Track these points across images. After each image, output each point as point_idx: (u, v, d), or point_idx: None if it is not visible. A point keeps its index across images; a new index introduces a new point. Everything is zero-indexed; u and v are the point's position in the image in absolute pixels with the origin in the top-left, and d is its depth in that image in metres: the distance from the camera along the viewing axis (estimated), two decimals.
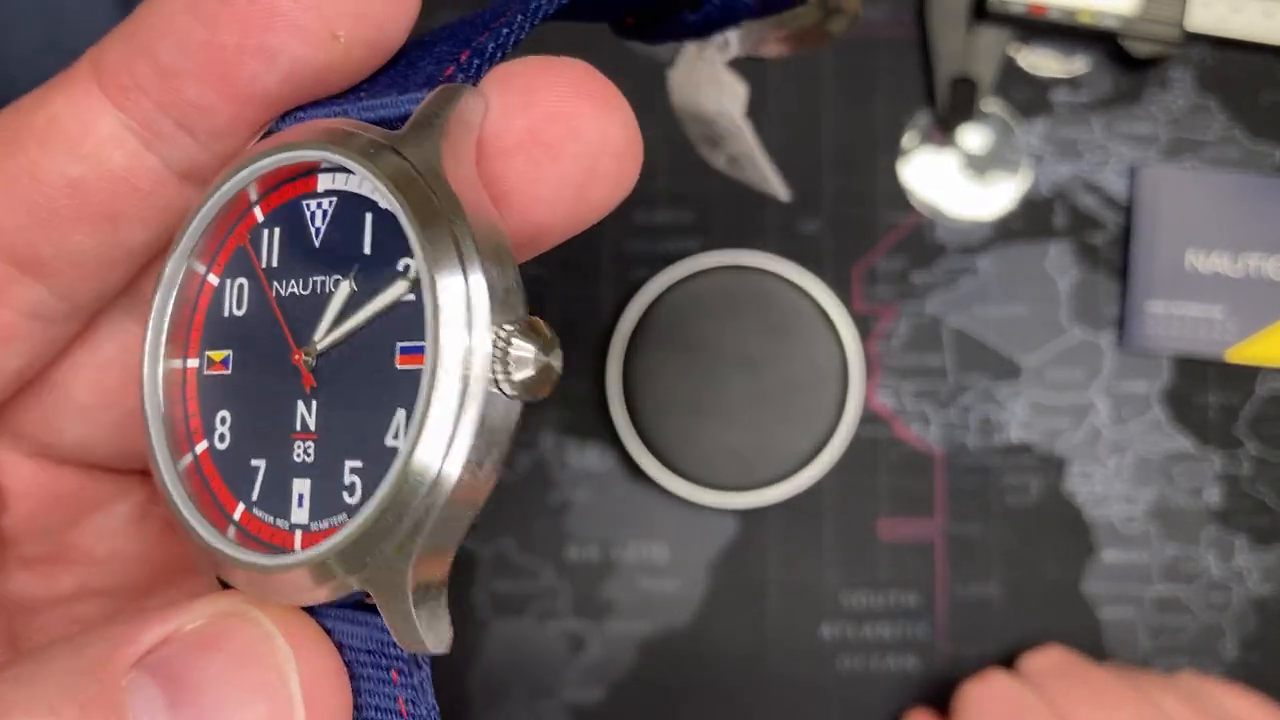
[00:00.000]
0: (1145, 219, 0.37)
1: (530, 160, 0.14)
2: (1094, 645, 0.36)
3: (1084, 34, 0.36)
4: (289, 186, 0.15)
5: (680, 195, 0.37)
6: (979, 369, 0.37)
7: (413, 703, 0.14)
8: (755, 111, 0.37)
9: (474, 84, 0.15)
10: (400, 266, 0.14)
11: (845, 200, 0.37)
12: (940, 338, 0.37)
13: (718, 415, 0.35)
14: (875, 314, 0.37)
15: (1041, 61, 0.37)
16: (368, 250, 0.14)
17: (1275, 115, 0.37)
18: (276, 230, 0.15)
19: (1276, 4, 0.36)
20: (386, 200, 0.13)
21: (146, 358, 0.16)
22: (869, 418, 0.36)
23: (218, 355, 0.16)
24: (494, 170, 0.14)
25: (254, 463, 0.15)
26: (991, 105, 0.37)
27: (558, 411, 0.36)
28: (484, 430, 0.13)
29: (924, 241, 0.37)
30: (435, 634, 0.13)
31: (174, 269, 0.16)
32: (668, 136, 0.37)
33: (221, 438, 0.15)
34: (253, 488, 0.15)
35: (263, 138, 0.16)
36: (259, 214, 0.15)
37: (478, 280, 0.13)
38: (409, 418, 0.13)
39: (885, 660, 0.36)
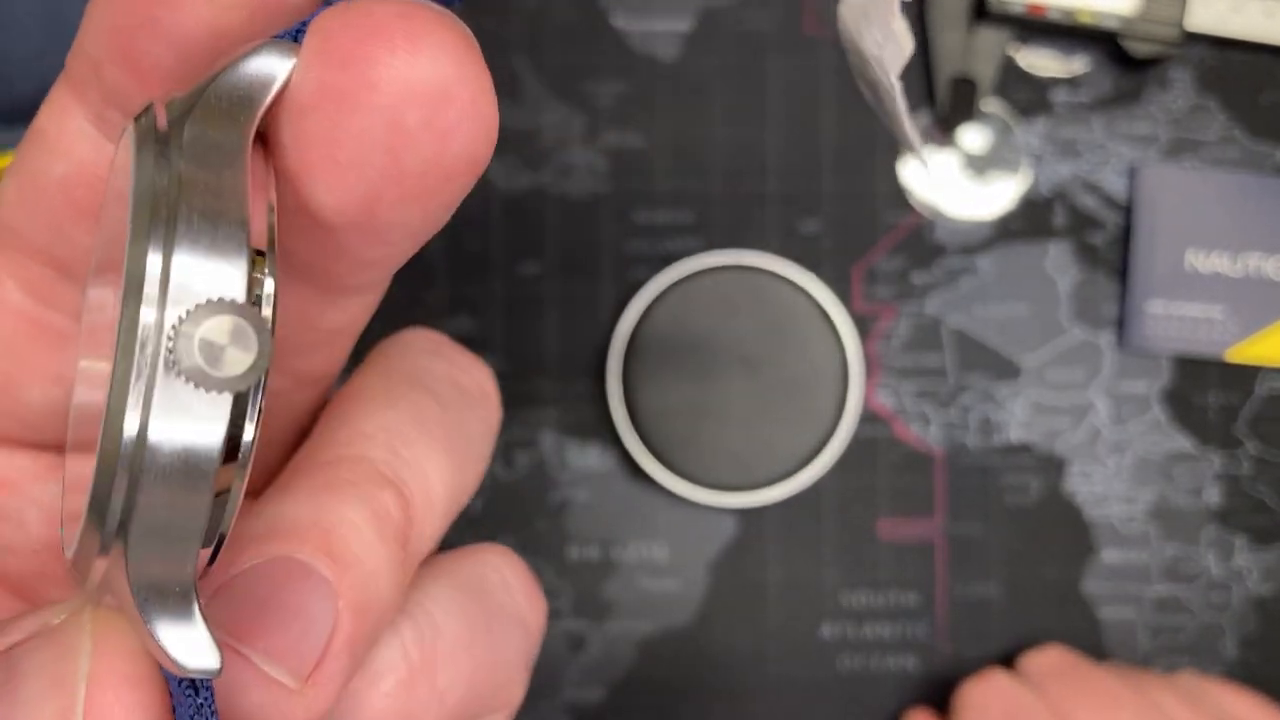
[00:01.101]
0: (1145, 219, 0.37)
1: (324, 116, 0.12)
2: (1094, 645, 0.36)
3: (1084, 34, 0.36)
4: None
5: (680, 195, 0.37)
6: (979, 369, 0.37)
7: None
8: (753, 111, 0.37)
9: (297, 38, 0.13)
10: None
11: (845, 200, 0.37)
12: (940, 338, 0.37)
13: (717, 415, 0.35)
14: (875, 314, 0.37)
15: (1041, 61, 0.37)
16: None
17: (1275, 115, 0.37)
18: None
19: (1276, 4, 0.36)
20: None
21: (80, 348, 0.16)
22: (869, 418, 0.36)
23: None
24: (295, 132, 0.13)
25: None
26: (991, 105, 0.37)
27: (558, 411, 0.36)
28: (170, 404, 0.12)
29: (924, 241, 0.37)
30: (185, 648, 0.12)
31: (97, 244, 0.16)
32: (669, 136, 0.37)
33: None
34: None
35: None
36: None
37: (171, 257, 0.12)
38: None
39: (885, 660, 0.36)
